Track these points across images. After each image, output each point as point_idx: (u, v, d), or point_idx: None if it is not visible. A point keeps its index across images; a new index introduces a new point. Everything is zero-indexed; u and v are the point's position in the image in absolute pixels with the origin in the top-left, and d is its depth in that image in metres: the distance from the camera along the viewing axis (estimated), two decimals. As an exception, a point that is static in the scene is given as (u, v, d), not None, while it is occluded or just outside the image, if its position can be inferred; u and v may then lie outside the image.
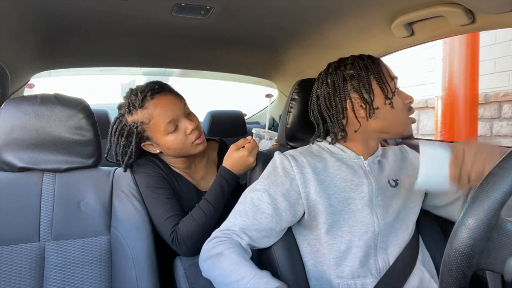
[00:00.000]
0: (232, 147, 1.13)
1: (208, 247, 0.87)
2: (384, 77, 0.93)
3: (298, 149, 1.02)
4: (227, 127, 2.58)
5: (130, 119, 1.10)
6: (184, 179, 1.20)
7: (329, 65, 1.00)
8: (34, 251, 0.97)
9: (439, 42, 2.70)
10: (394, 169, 1.01)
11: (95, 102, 1.73)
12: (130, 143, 1.10)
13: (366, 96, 0.92)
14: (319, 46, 1.57)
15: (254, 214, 0.89)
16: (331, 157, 0.98)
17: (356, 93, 0.93)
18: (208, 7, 1.17)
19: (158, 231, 1.08)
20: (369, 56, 0.97)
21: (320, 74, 1.01)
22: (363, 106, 0.93)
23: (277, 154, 0.98)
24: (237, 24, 1.37)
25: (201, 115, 2.62)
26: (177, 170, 1.20)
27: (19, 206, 0.99)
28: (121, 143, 1.10)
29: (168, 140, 1.11)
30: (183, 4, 1.14)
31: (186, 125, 1.12)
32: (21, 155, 1.03)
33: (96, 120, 1.10)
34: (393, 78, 0.96)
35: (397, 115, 0.94)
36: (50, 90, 1.10)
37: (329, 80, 0.96)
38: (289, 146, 1.21)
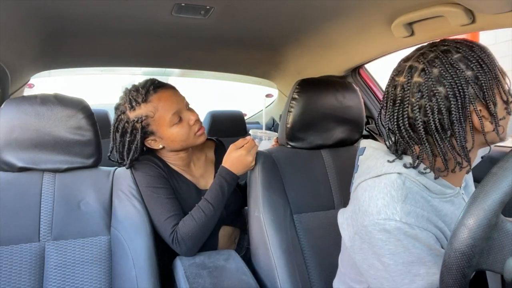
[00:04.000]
0: (231, 147, 1.14)
1: None
2: (502, 76, 0.67)
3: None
4: (227, 127, 2.58)
5: (132, 115, 1.11)
6: (184, 177, 1.20)
7: (427, 58, 0.66)
8: (34, 251, 0.97)
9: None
10: None
11: (95, 102, 1.72)
12: (135, 139, 1.11)
13: (491, 106, 0.64)
14: (319, 46, 1.57)
15: None
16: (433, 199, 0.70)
17: (481, 102, 0.65)
18: (208, 7, 1.17)
19: (158, 231, 1.08)
20: (476, 44, 0.67)
21: (409, 73, 0.67)
22: (489, 119, 0.65)
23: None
24: (237, 24, 1.37)
25: (201, 115, 2.61)
26: (176, 169, 1.20)
27: (19, 206, 0.99)
28: (126, 139, 1.11)
29: (173, 132, 1.12)
30: (183, 4, 1.14)
31: (189, 117, 1.14)
32: (21, 155, 1.03)
33: (96, 120, 1.10)
34: (505, 75, 0.69)
35: (507, 121, 0.69)
36: (50, 90, 1.10)
37: (441, 89, 0.64)
38: (289, 146, 1.21)
